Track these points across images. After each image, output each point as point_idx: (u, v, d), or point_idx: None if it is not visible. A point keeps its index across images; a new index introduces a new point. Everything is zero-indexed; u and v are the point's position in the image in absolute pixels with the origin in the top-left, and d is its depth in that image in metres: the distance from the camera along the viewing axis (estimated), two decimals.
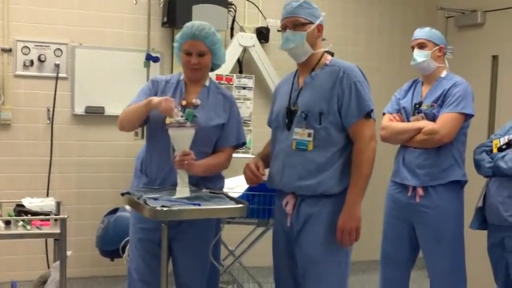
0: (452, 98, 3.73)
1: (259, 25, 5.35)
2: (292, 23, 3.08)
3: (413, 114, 3.84)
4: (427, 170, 3.75)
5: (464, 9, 5.64)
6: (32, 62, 4.76)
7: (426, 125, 3.74)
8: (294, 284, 3.18)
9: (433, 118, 3.76)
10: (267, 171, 3.24)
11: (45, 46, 4.79)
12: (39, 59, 4.77)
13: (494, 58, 5.45)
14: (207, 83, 3.35)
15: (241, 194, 3.76)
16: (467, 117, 3.77)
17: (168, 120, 3.13)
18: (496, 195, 3.60)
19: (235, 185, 3.97)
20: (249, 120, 4.79)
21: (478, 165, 3.71)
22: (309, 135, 3.03)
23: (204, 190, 3.21)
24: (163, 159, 3.20)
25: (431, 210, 3.74)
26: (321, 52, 3.14)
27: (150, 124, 3.28)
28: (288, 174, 3.08)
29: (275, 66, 5.24)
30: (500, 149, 3.63)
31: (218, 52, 3.30)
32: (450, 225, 3.77)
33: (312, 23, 3.07)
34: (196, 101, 3.27)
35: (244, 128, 4.70)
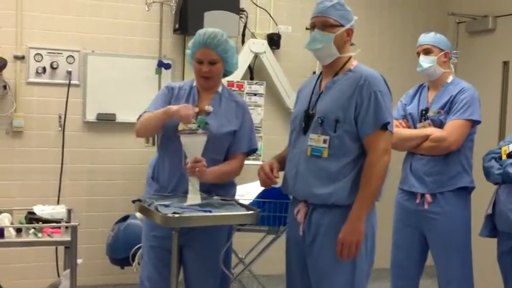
0: (460, 104, 3.71)
1: (271, 31, 5.35)
2: (322, 23, 2.97)
3: (420, 121, 3.82)
4: (435, 177, 3.73)
5: (476, 14, 5.63)
6: (44, 69, 4.78)
7: (433, 132, 3.72)
8: None
9: (440, 125, 3.74)
10: (282, 174, 3.18)
11: (58, 53, 4.81)
12: (51, 66, 4.79)
13: (505, 64, 5.42)
14: (219, 89, 3.35)
15: (252, 201, 3.75)
16: (475, 123, 3.75)
17: (180, 127, 3.13)
18: (506, 202, 3.57)
19: (246, 192, 3.96)
20: (260, 127, 4.79)
21: (487, 172, 3.68)
22: (325, 141, 2.93)
23: (215, 197, 3.20)
24: (175, 166, 3.20)
25: (441, 216, 3.72)
26: (347, 57, 3.04)
27: (163, 131, 3.27)
28: (301, 181, 3.01)
29: (286, 73, 5.23)
30: (509, 156, 3.59)
31: (230, 60, 3.29)
32: (459, 231, 3.76)
33: (342, 25, 2.98)
34: (208, 107, 3.26)
35: (256, 134, 4.73)
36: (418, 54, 3.88)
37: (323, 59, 3.06)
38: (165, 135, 3.27)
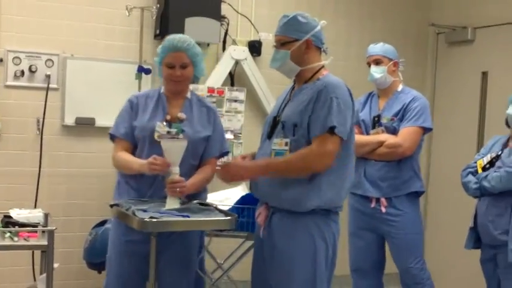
0: (412, 112, 3.88)
1: (252, 38, 5.36)
2: (277, 42, 3.07)
3: (373, 127, 3.97)
4: (389, 182, 3.90)
5: (455, 25, 5.69)
6: (22, 73, 4.74)
7: (388, 138, 3.88)
8: None
9: (393, 131, 3.91)
10: None
11: (37, 57, 4.78)
12: (30, 69, 4.75)
13: (484, 74, 5.48)
14: (188, 95, 3.38)
15: (230, 207, 3.75)
16: (426, 130, 3.95)
17: (156, 136, 3.16)
18: (486, 215, 3.65)
19: (225, 197, 3.98)
20: (240, 133, 4.80)
21: (465, 187, 3.78)
22: (286, 144, 2.98)
23: (193, 202, 3.20)
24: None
25: (398, 218, 3.90)
26: (315, 66, 3.05)
27: (138, 141, 3.29)
28: (262, 184, 3.06)
29: (267, 80, 5.25)
30: (484, 169, 3.68)
31: (199, 64, 3.34)
32: (414, 231, 3.95)
33: (297, 40, 3.00)
34: (181, 115, 3.29)
35: (235, 141, 4.75)
36: (369, 64, 4.03)
37: (286, 74, 3.13)
38: (141, 145, 3.27)
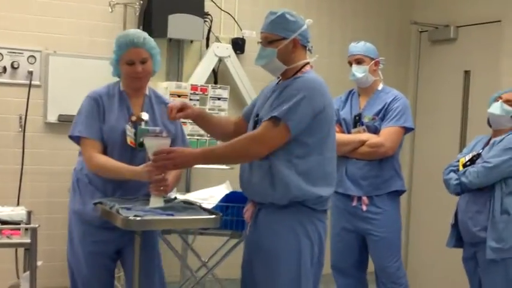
0: (394, 112, 3.90)
1: (235, 36, 5.36)
2: (264, 39, 3.01)
3: (354, 126, 3.98)
4: (370, 180, 3.92)
5: (438, 24, 5.72)
6: (4, 69, 4.71)
7: (370, 137, 3.90)
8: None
9: (374, 131, 3.93)
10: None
11: (19, 53, 4.74)
12: (12, 65, 4.72)
13: (466, 73, 5.53)
14: (147, 92, 3.34)
15: (215, 205, 3.75)
16: (407, 130, 3.97)
17: (129, 141, 3.16)
18: (466, 212, 3.69)
19: (210, 195, 3.97)
20: None
21: (447, 184, 3.83)
22: None
23: (177, 201, 3.19)
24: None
25: (379, 216, 3.92)
26: (298, 65, 3.01)
27: (107, 144, 3.22)
28: (247, 180, 3.05)
29: (250, 77, 5.24)
30: (465, 166, 3.71)
31: (157, 57, 3.30)
32: (394, 229, 3.98)
33: (285, 38, 2.97)
34: (144, 115, 3.24)
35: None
36: (350, 63, 4.03)
37: (272, 72, 3.10)
38: (110, 144, 3.22)
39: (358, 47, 4.02)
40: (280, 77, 3.10)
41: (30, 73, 4.76)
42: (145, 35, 3.26)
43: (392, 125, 3.89)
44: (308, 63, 3.05)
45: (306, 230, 2.96)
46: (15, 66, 4.72)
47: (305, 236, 2.96)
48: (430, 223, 5.64)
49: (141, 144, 3.15)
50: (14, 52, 4.74)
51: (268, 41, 2.99)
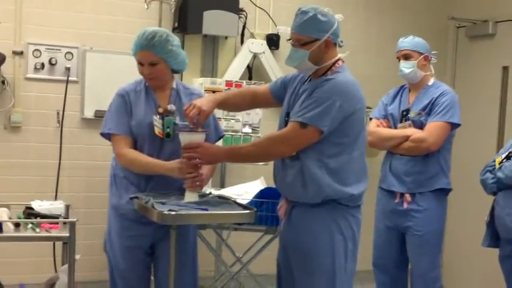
0: (440, 107, 3.80)
1: (270, 32, 5.35)
2: (296, 41, 2.93)
3: (401, 121, 3.90)
4: (414, 177, 3.83)
5: (476, 19, 5.63)
6: (43, 65, 4.77)
7: (414, 132, 3.81)
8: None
9: (420, 126, 3.83)
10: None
11: (56, 49, 4.81)
12: (50, 62, 4.78)
13: (505, 69, 5.43)
14: (174, 85, 3.33)
15: (249, 200, 3.76)
16: (454, 126, 3.86)
17: (157, 132, 3.18)
18: (504, 208, 3.59)
19: (244, 191, 3.98)
20: (258, 127, 4.80)
21: (484, 184, 3.73)
22: None
23: (212, 196, 3.21)
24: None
25: (419, 214, 3.83)
26: (329, 64, 2.96)
27: (137, 138, 3.25)
28: (279, 178, 3.06)
29: (285, 73, 5.14)
30: (501, 164, 3.63)
31: (173, 59, 3.23)
32: (435, 230, 3.89)
33: (317, 39, 2.90)
34: (171, 107, 3.24)
35: (253, 135, 4.75)
36: (398, 59, 3.95)
37: (303, 72, 3.05)
38: (140, 138, 3.24)
39: (406, 42, 3.93)
40: (311, 75, 3.07)
41: (68, 69, 4.82)
42: (160, 37, 3.16)
43: (437, 119, 3.78)
44: (340, 59, 3.01)
45: (339, 227, 2.96)
46: (53, 62, 4.78)
47: (338, 232, 2.96)
48: (466, 224, 5.54)
49: (168, 135, 3.19)
50: (51, 49, 4.80)
51: (300, 43, 2.92)
